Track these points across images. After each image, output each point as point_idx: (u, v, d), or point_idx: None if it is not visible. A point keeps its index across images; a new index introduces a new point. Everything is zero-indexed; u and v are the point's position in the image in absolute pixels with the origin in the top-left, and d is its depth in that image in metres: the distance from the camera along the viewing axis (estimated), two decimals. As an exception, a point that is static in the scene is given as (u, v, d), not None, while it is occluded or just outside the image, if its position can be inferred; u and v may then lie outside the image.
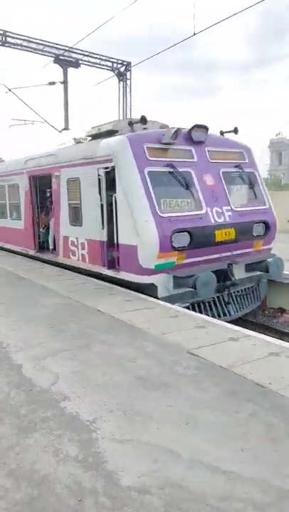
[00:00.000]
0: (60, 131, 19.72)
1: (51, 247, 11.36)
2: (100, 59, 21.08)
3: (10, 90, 17.22)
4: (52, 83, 18.72)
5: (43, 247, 11.94)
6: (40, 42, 19.60)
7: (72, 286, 8.22)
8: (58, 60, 19.31)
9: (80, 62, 20.40)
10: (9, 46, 18.85)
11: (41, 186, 11.81)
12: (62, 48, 19.71)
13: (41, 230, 12.03)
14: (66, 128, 19.85)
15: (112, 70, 21.49)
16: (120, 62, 21.68)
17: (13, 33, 18.48)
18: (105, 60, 21.32)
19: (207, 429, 3.18)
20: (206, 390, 3.80)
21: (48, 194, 11.48)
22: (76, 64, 20.23)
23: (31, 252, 12.01)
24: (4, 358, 4.63)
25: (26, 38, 19.11)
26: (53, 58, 19.43)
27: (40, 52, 19.53)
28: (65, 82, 19.55)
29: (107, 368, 4.29)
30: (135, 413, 3.40)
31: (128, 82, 22.13)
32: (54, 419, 3.33)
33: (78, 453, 2.88)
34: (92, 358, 4.56)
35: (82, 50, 20.18)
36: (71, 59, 20.00)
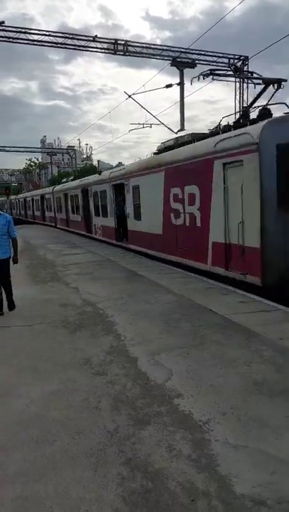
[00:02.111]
0: (176, 133, 20.03)
1: None
2: (216, 56, 20.89)
3: (130, 96, 18.06)
4: (169, 86, 19.10)
5: None
6: (158, 47, 20.20)
7: (184, 285, 8.28)
8: (174, 62, 19.65)
9: (197, 62, 20.46)
10: (129, 55, 19.85)
11: None
12: (178, 50, 20.03)
13: None
14: (182, 129, 20.08)
15: (229, 66, 21.08)
16: (237, 57, 21.16)
17: (133, 42, 19.40)
18: (222, 57, 21.05)
19: None
20: None
21: None
22: (192, 64, 20.35)
23: None
24: (122, 350, 4.87)
25: (145, 45, 19.88)
26: (170, 61, 19.86)
27: (158, 57, 20.15)
28: (181, 84, 19.80)
29: (220, 370, 4.20)
30: (250, 419, 3.27)
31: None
32: (167, 415, 3.38)
33: (191, 452, 2.87)
34: (206, 358, 4.52)
35: (198, 50, 20.25)
36: (188, 60, 20.18)
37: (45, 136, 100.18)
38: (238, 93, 21.23)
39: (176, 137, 11.49)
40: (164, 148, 11.49)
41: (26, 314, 6.60)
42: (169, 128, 19.75)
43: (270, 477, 2.58)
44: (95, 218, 17.72)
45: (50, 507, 2.42)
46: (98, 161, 32.91)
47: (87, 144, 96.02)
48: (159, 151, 11.80)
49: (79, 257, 13.00)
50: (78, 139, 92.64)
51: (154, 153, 12.43)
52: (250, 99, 11.24)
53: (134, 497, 2.47)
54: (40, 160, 75.51)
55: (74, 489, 2.56)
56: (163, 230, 10.99)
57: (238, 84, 21.14)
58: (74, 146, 58.63)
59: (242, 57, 21.10)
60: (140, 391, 3.83)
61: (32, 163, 75.11)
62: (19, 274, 10.27)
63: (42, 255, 13.83)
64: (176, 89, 19.72)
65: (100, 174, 17.08)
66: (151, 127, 20.26)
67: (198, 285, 8.30)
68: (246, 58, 21.07)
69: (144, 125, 20.22)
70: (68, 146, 57.40)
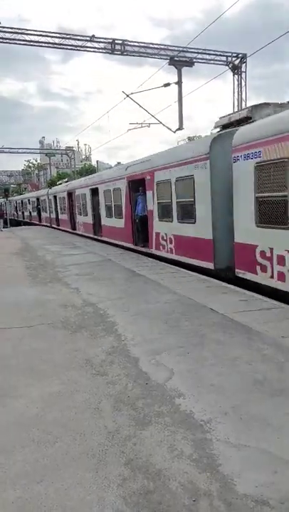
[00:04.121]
0: (174, 132, 20.04)
1: None
2: (214, 54, 20.88)
3: (128, 96, 18.05)
4: (167, 84, 19.09)
5: None
6: (156, 46, 20.18)
7: (184, 284, 8.26)
8: (172, 61, 19.63)
9: (194, 60, 20.46)
10: (127, 54, 19.83)
11: None
12: (176, 48, 20.00)
13: None
14: (180, 128, 20.07)
15: (227, 64, 21.09)
16: (235, 55, 21.14)
17: (130, 41, 19.38)
18: (219, 55, 21.04)
19: None
20: None
21: None
22: (190, 63, 20.34)
23: None
24: (123, 350, 4.85)
25: (143, 45, 19.86)
26: (167, 60, 19.84)
27: (156, 56, 20.13)
28: (179, 83, 19.79)
29: (221, 369, 4.19)
30: (252, 418, 3.25)
31: (243, 75, 21.47)
32: (169, 415, 3.36)
33: (193, 452, 2.86)
34: (207, 357, 4.50)
35: (196, 49, 20.25)
36: (185, 58, 20.17)
37: (43, 137, 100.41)
38: (236, 91, 21.21)
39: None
40: None
41: (26, 315, 6.59)
42: (167, 127, 19.77)
43: (273, 477, 2.57)
44: None
45: (51, 509, 2.40)
46: (97, 161, 32.78)
47: (85, 145, 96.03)
48: None
49: (79, 258, 12.99)
50: (77, 140, 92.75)
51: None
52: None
53: (135, 498, 2.46)
54: (38, 161, 75.59)
55: (75, 491, 2.55)
56: None
57: (236, 82, 21.12)
58: (72, 147, 58.61)
59: (240, 55, 21.09)
60: (141, 391, 3.82)
61: (31, 165, 75.20)
62: (19, 275, 10.27)
63: (41, 256, 13.82)
64: (175, 87, 19.73)
65: None
66: (149, 126, 20.32)
67: (198, 284, 8.29)
68: (244, 56, 21.06)
69: (143, 125, 20.23)
70: (67, 147, 57.35)
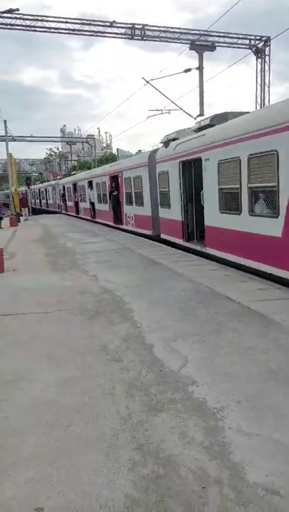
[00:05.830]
0: (195, 118, 19.71)
1: None
2: (236, 38, 20.31)
3: (148, 82, 17.82)
4: (188, 70, 18.73)
5: None
6: (176, 30, 19.77)
7: (202, 272, 8.20)
8: (193, 45, 19.24)
9: (216, 44, 19.98)
10: (147, 39, 19.53)
11: None
12: (197, 32, 19.57)
13: None
14: (201, 114, 19.73)
15: (250, 48, 20.50)
16: (258, 38, 20.52)
17: (150, 26, 19.05)
18: (242, 38, 20.46)
19: None
20: None
21: None
22: (212, 47, 19.89)
23: None
24: (138, 337, 4.87)
25: (163, 29, 19.49)
26: (188, 45, 19.45)
27: (176, 40, 19.74)
28: (200, 68, 19.40)
29: (236, 357, 4.15)
30: (265, 407, 3.21)
31: (267, 58, 20.86)
32: (181, 402, 3.36)
33: (204, 439, 2.85)
34: (222, 345, 4.46)
35: (218, 32, 19.74)
36: (207, 43, 19.71)
37: (64, 126, 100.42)
38: (259, 75, 20.65)
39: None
40: None
41: (45, 301, 6.68)
42: (188, 113, 19.44)
43: (284, 466, 2.53)
44: None
45: (61, 490, 2.44)
46: (117, 149, 32.64)
47: (106, 133, 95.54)
48: None
49: (98, 246, 13.05)
50: (98, 128, 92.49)
51: None
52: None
53: (145, 482, 2.47)
54: (60, 149, 75.86)
55: (86, 473, 2.58)
56: None
57: (259, 66, 20.56)
58: (93, 135, 58.39)
59: (264, 38, 20.46)
60: (155, 378, 3.83)
61: (52, 153, 75.57)
62: (40, 262, 10.42)
63: (62, 243, 13.96)
64: (196, 73, 19.36)
65: None
66: (170, 113, 20.03)
67: (216, 273, 8.21)
68: (268, 39, 20.42)
69: (163, 111, 19.97)
70: (88, 135, 57.12)
